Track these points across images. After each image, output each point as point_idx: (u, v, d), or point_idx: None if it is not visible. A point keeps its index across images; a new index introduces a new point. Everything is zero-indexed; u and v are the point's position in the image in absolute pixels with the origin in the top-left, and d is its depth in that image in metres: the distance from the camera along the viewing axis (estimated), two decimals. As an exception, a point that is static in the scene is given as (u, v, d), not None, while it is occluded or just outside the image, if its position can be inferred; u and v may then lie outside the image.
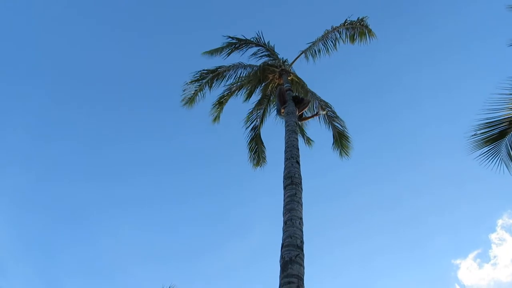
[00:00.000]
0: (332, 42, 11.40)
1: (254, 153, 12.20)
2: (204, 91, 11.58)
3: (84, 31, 23.32)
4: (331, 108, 11.49)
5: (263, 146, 12.22)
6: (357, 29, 11.04)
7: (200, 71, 11.42)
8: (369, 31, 10.99)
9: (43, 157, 23.47)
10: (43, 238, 22.77)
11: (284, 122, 9.09)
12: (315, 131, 12.42)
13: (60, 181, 23.34)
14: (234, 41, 11.53)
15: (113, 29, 23.77)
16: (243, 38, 11.55)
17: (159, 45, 24.49)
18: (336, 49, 11.44)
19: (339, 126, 11.44)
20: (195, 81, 11.42)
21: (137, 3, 23.58)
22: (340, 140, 11.45)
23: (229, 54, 11.54)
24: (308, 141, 12.40)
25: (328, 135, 11.66)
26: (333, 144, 11.58)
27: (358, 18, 10.97)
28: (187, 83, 11.49)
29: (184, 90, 11.55)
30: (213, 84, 11.54)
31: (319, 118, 11.60)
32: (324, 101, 11.46)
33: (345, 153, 11.58)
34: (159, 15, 24.01)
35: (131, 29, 24.07)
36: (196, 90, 11.52)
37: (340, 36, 11.30)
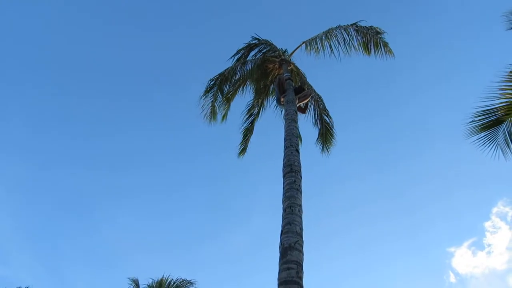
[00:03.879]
0: (337, 41, 10.72)
1: (243, 142, 12.14)
2: (218, 99, 11.37)
3: (83, 24, 23.24)
4: (323, 102, 11.49)
5: (250, 137, 12.15)
6: (370, 37, 10.23)
7: (209, 80, 11.27)
8: (385, 45, 10.19)
9: (44, 146, 23.58)
10: (45, 227, 22.99)
11: (283, 111, 9.12)
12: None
13: (61, 170, 23.46)
14: (241, 53, 11.72)
15: (115, 23, 23.72)
16: (245, 44, 11.71)
17: (159, 37, 24.45)
18: (348, 53, 10.67)
19: (327, 120, 11.46)
20: (207, 91, 11.22)
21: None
22: (325, 135, 11.46)
23: (242, 64, 11.46)
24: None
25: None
26: (317, 138, 11.55)
27: (371, 26, 10.28)
28: (201, 97, 11.24)
29: (202, 106, 11.30)
30: (224, 88, 11.34)
31: (309, 110, 11.48)
32: (317, 94, 11.47)
33: (327, 149, 11.59)
34: (157, 9, 23.90)
35: (132, 23, 24.02)
36: (212, 101, 11.30)
37: (350, 39, 10.53)
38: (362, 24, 10.42)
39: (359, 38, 10.42)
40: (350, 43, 10.55)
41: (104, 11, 23.00)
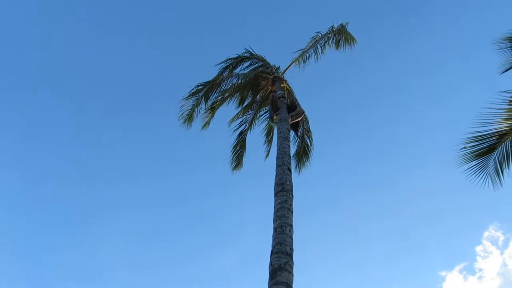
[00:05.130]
0: (320, 47, 11.59)
1: (235, 156, 12.11)
2: (200, 106, 11.35)
3: (76, 31, 23.15)
4: (308, 123, 11.65)
5: (245, 150, 12.14)
6: (343, 35, 11.34)
7: (196, 85, 11.25)
8: (351, 38, 11.33)
9: (31, 158, 23.08)
10: (30, 241, 22.27)
11: (276, 129, 9.15)
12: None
13: (48, 183, 22.89)
14: (229, 62, 11.78)
15: (106, 30, 23.67)
16: (236, 56, 11.80)
17: (151, 48, 24.41)
18: (324, 53, 11.62)
19: (308, 142, 11.62)
20: (192, 95, 11.17)
21: (132, 6, 23.54)
22: (302, 155, 11.57)
23: (231, 76, 11.58)
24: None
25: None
26: (292, 156, 11.63)
27: (342, 24, 11.37)
28: (183, 98, 11.17)
29: (181, 107, 11.24)
30: (210, 96, 11.34)
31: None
32: (305, 115, 11.58)
33: (299, 169, 11.72)
34: (150, 17, 24.01)
35: (122, 32, 23.98)
36: (193, 105, 11.24)
37: (327, 42, 11.53)
38: (336, 25, 11.49)
39: (334, 38, 11.51)
40: (326, 44, 11.61)
41: (96, 20, 22.97)
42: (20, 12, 21.33)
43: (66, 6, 22.00)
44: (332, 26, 11.41)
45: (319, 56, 11.59)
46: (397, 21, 23.26)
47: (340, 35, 11.36)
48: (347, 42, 11.40)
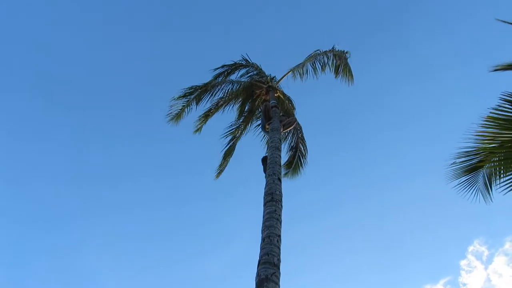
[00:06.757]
0: (320, 64, 11.39)
1: (223, 164, 12.12)
2: (191, 106, 11.40)
3: (71, 31, 23.13)
4: (301, 131, 11.69)
5: (229, 159, 12.15)
6: (342, 62, 11.05)
7: (188, 87, 11.30)
8: (350, 72, 11.12)
9: (18, 158, 22.81)
10: (14, 245, 21.92)
11: (268, 138, 9.19)
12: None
13: (36, 184, 22.60)
14: (224, 69, 11.83)
15: (105, 31, 23.68)
16: (232, 63, 11.85)
17: (153, 48, 24.43)
18: (324, 73, 11.43)
19: (302, 150, 11.65)
20: (183, 96, 11.22)
21: (132, 6, 23.61)
22: (295, 164, 11.60)
23: (224, 82, 11.63)
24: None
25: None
26: (284, 164, 11.48)
27: (343, 51, 11.16)
28: (174, 98, 11.23)
29: (171, 106, 11.29)
30: (201, 99, 11.39)
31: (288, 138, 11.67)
32: (298, 123, 11.64)
33: (291, 177, 11.76)
34: (150, 18, 24.08)
35: (122, 32, 24.00)
36: (183, 106, 11.29)
37: (327, 61, 11.30)
38: (337, 47, 11.27)
39: (334, 61, 11.19)
40: (326, 66, 11.31)
41: (94, 20, 22.98)
42: (19, 12, 21.33)
43: (65, 6, 22.05)
44: (333, 47, 11.24)
45: (318, 75, 11.41)
46: (390, 32, 23.56)
47: (340, 61, 11.04)
48: (345, 74, 11.13)
